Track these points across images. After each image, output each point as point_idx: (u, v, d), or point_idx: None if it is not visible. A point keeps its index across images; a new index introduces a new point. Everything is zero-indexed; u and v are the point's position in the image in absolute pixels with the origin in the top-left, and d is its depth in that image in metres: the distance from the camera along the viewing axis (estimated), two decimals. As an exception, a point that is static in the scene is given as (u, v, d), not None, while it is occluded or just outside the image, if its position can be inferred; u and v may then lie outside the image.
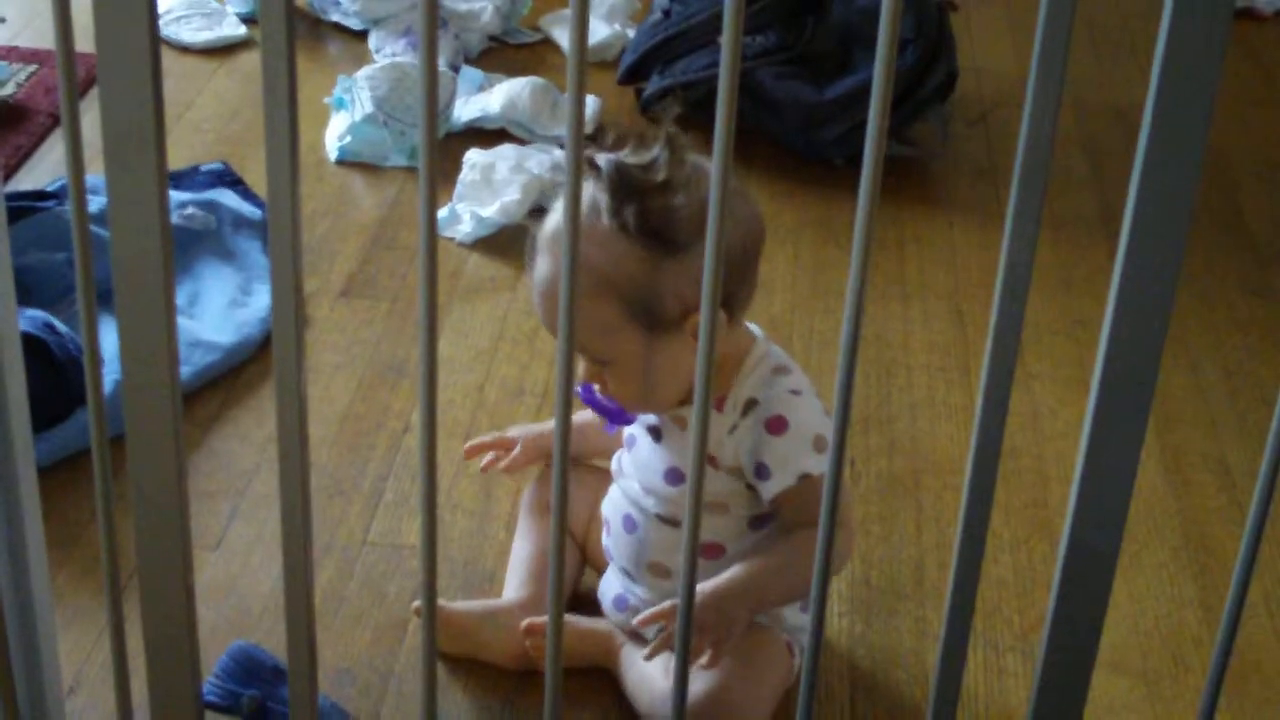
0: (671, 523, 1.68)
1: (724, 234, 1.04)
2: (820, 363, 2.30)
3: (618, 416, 1.65)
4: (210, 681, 1.67)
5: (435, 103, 1.03)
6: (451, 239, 2.55)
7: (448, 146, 2.71)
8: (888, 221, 2.67)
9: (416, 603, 1.77)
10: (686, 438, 1.61)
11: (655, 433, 1.69)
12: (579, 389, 1.64)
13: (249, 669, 1.69)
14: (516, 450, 1.83)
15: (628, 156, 1.55)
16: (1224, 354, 2.39)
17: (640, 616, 1.60)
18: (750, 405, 1.62)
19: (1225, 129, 2.98)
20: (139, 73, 1.08)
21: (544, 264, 1.60)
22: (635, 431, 1.72)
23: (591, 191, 1.55)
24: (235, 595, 1.83)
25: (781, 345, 1.59)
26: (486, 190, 2.63)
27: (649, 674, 1.68)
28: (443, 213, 2.59)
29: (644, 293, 1.55)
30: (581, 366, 1.61)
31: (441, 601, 1.71)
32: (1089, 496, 1.13)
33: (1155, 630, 1.86)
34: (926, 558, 1.95)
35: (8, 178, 2.62)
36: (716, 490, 1.63)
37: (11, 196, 2.36)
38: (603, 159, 1.55)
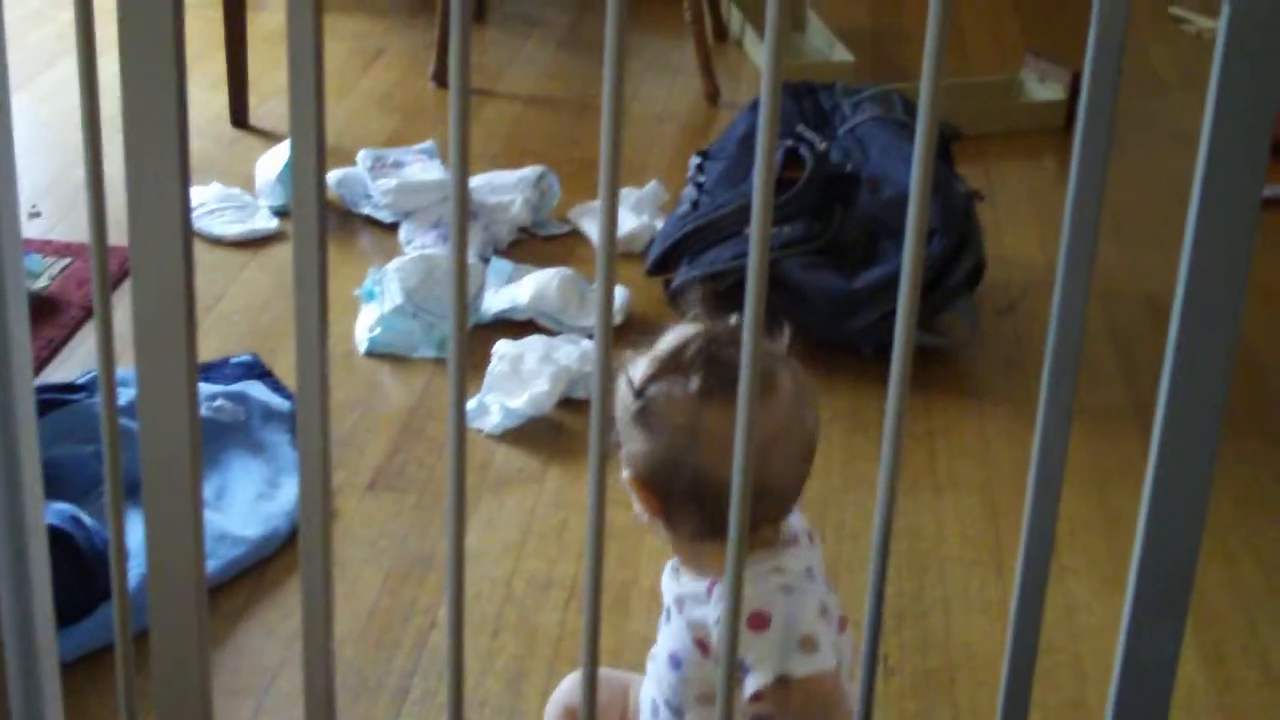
0: (677, 712, 1.63)
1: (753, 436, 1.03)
2: (851, 557, 2.27)
3: None
4: None
5: (465, 294, 1.02)
6: (480, 430, 2.55)
7: (476, 338, 2.72)
8: (917, 412, 2.66)
9: None
10: (685, 621, 1.59)
11: (668, 610, 1.64)
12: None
13: None
14: None
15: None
16: (1261, 546, 2.36)
17: None
18: None
19: (1253, 318, 2.97)
20: (171, 265, 1.08)
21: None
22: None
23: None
24: (257, 794, 1.80)
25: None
26: (515, 381, 2.63)
27: None
28: (471, 404, 2.59)
29: None
30: None
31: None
32: (1129, 696, 1.10)
33: (1199, 831, 1.82)
34: (962, 756, 1.91)
35: (39, 370, 2.63)
36: (710, 679, 1.58)
37: (41, 389, 2.36)
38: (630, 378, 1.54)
